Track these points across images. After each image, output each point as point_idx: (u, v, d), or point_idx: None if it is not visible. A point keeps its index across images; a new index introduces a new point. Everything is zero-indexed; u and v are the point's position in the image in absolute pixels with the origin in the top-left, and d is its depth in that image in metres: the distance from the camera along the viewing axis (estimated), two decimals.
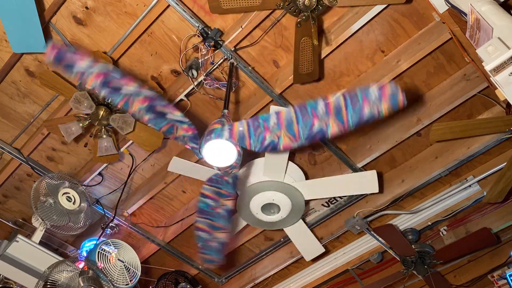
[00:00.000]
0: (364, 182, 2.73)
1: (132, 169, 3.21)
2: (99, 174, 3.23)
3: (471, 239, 3.18)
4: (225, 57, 2.48)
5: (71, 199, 2.85)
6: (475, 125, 2.47)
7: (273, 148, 1.77)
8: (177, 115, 1.82)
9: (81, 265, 2.77)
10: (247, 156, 2.60)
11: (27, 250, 2.66)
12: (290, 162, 2.79)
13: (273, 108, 2.39)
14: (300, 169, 2.94)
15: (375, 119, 1.60)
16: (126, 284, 2.84)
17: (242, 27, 2.34)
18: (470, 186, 3.16)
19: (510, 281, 3.57)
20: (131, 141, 2.93)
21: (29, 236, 2.86)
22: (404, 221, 3.41)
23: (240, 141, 1.80)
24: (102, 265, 2.80)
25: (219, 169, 2.02)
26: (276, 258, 3.83)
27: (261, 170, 2.74)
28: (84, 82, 1.84)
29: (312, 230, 3.22)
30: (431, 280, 3.36)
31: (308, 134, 1.68)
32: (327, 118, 1.63)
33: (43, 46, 2.28)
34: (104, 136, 2.64)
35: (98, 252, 2.83)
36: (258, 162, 2.81)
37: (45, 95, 2.83)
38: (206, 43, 2.37)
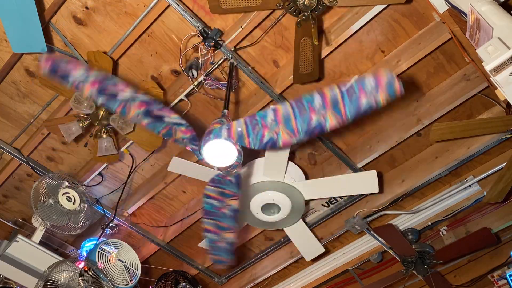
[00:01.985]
0: (364, 182, 2.72)
1: (132, 169, 3.21)
2: (99, 174, 3.23)
3: (471, 239, 3.18)
4: (225, 57, 2.48)
5: (71, 199, 2.85)
6: (475, 125, 2.47)
7: (273, 145, 1.76)
8: (174, 117, 1.81)
9: (81, 265, 2.77)
10: (247, 156, 2.60)
11: (27, 250, 2.65)
12: (290, 162, 2.78)
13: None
14: (300, 169, 2.94)
15: (373, 110, 1.57)
16: (126, 284, 2.84)
17: (242, 27, 2.34)
18: (470, 186, 3.16)
19: (510, 281, 3.57)
20: (131, 141, 2.93)
21: (29, 236, 2.86)
22: (404, 221, 3.41)
23: (239, 140, 1.80)
24: (102, 265, 2.80)
25: (219, 169, 2.02)
26: (276, 258, 3.83)
27: (261, 170, 2.74)
28: (81, 91, 1.88)
29: (312, 230, 3.22)
30: (431, 280, 3.36)
31: (307, 129, 1.66)
32: (324, 112, 1.60)
33: (43, 46, 2.28)
34: (104, 136, 2.64)
35: (98, 252, 2.83)
36: (258, 162, 2.81)
37: (45, 95, 2.83)
38: (206, 43, 2.37)
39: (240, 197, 2.11)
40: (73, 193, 2.87)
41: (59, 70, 1.65)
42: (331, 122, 1.62)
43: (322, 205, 3.33)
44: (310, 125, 1.65)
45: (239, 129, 1.77)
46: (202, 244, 3.24)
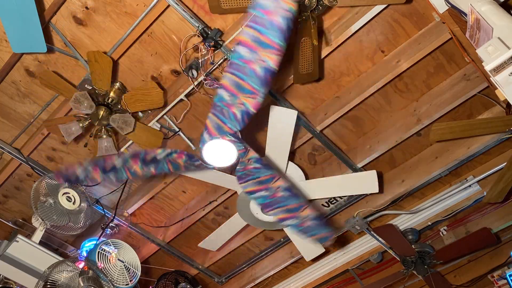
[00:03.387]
0: (364, 182, 2.72)
1: None
2: None
3: (471, 239, 3.18)
4: (225, 57, 2.47)
5: (71, 199, 2.85)
6: (475, 125, 2.47)
7: (249, 116, 1.71)
8: (161, 152, 1.95)
9: (81, 265, 2.77)
10: None
11: (27, 250, 2.65)
12: (290, 162, 2.78)
13: (273, 108, 2.39)
14: (300, 169, 2.94)
15: (290, 20, 1.44)
16: (126, 284, 2.84)
17: (242, 27, 2.34)
18: (470, 186, 3.16)
19: (510, 281, 3.57)
20: (131, 141, 2.93)
21: (29, 236, 2.86)
22: (404, 221, 3.41)
23: (221, 132, 1.80)
24: (102, 265, 2.80)
25: (232, 165, 2.02)
26: (276, 258, 3.83)
27: None
28: (94, 181, 2.17)
29: None
30: (431, 280, 3.36)
31: (259, 81, 1.58)
32: (257, 55, 1.52)
33: (43, 46, 2.28)
34: (104, 136, 2.64)
35: (98, 252, 2.83)
36: None
37: (45, 95, 2.83)
38: (206, 43, 2.37)
39: (281, 175, 2.01)
40: (73, 193, 2.87)
41: (70, 178, 2.04)
42: (271, 59, 1.53)
43: (322, 205, 3.33)
44: (259, 75, 1.57)
45: (214, 123, 1.78)
46: (202, 244, 3.23)
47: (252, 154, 1.95)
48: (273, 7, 1.42)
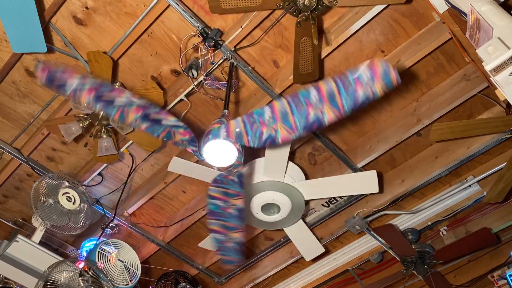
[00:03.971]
0: (364, 182, 2.72)
1: (132, 169, 3.21)
2: (99, 174, 3.23)
3: (471, 239, 3.18)
4: (225, 57, 2.48)
5: (71, 199, 2.85)
6: (475, 125, 2.47)
7: (272, 142, 1.74)
8: (171, 120, 1.81)
9: (81, 265, 2.77)
10: (247, 156, 2.60)
11: (27, 250, 2.65)
12: (290, 162, 2.78)
13: None
14: (300, 169, 2.94)
15: (371, 101, 1.55)
16: (126, 284, 2.84)
17: (242, 27, 2.34)
18: (470, 186, 3.16)
19: (510, 281, 3.57)
20: (131, 141, 2.93)
21: (29, 236, 2.86)
22: (404, 221, 3.41)
23: (238, 139, 1.79)
24: (102, 265, 2.80)
25: (220, 169, 2.02)
26: (276, 258, 3.83)
27: (261, 170, 2.74)
28: (78, 100, 1.94)
29: (312, 230, 3.22)
30: (431, 280, 3.36)
31: (305, 124, 1.64)
32: (321, 105, 1.58)
33: (43, 46, 2.28)
34: (104, 136, 2.64)
35: (98, 252, 2.83)
36: (258, 162, 2.81)
37: (45, 95, 2.83)
38: (206, 43, 2.37)
39: (244, 196, 2.09)
40: (73, 193, 2.87)
41: (55, 80, 1.66)
42: (329, 116, 1.60)
43: (322, 205, 3.33)
44: (308, 120, 1.62)
45: (237, 128, 1.76)
46: (202, 244, 3.23)
47: (242, 168, 1.99)
48: (365, 83, 1.50)
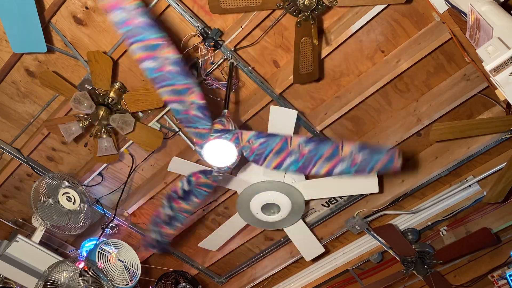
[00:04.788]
0: (364, 182, 2.72)
1: (132, 169, 3.21)
2: (99, 174, 3.23)
3: (471, 239, 3.18)
4: (225, 57, 2.48)
5: (71, 199, 2.85)
6: (475, 125, 2.47)
7: (205, 108, 1.75)
8: (184, 185, 2.12)
9: (81, 265, 2.77)
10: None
11: (27, 250, 2.65)
12: None
13: (273, 108, 2.38)
14: None
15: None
16: (126, 284, 2.84)
17: (242, 27, 2.34)
18: (470, 186, 3.16)
19: (510, 281, 3.57)
20: (131, 141, 2.93)
21: (29, 236, 2.86)
22: (404, 221, 3.41)
23: (202, 137, 1.86)
24: (102, 265, 2.80)
25: (217, 168, 2.02)
26: (276, 258, 3.83)
27: (261, 170, 2.74)
28: (169, 237, 2.41)
29: (312, 230, 3.22)
30: (431, 280, 3.36)
31: (181, 75, 1.63)
32: (158, 58, 1.59)
33: (43, 46, 2.28)
34: (104, 136, 2.64)
35: (98, 252, 2.83)
36: None
37: (45, 95, 2.83)
38: (206, 43, 2.37)
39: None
40: (73, 193, 2.87)
41: (153, 245, 2.28)
42: (169, 52, 1.60)
43: (322, 205, 3.33)
44: (176, 70, 1.62)
45: (192, 134, 1.86)
46: (202, 244, 3.23)
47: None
48: (126, 13, 1.47)
